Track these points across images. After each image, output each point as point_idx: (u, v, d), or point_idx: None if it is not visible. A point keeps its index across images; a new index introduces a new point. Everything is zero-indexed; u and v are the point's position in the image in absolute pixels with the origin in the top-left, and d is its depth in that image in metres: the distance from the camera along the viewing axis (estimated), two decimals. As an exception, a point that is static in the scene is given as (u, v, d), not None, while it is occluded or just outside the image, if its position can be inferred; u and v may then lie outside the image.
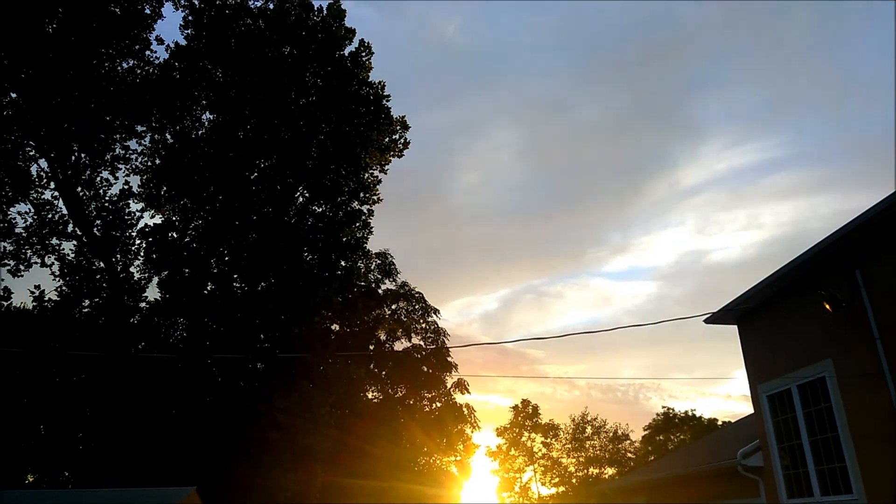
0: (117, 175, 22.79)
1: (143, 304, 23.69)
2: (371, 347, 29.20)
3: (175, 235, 23.42)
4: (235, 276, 23.90)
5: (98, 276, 22.33)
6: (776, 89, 62.76)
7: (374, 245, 30.52)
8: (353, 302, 26.46)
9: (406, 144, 26.72)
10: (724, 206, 71.19)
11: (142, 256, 23.07)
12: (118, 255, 22.62)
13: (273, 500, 20.47)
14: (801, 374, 10.67)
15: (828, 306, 9.70)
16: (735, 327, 13.02)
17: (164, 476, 18.47)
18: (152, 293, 34.05)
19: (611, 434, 54.25)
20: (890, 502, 7.76)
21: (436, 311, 32.84)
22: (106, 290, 22.43)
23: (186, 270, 22.69)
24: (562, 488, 53.40)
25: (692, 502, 14.45)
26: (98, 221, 22.30)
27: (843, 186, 65.14)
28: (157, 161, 23.62)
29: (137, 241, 22.96)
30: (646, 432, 52.15)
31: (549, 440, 55.28)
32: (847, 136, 64.63)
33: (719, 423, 46.44)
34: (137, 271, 23.47)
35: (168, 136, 23.73)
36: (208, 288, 22.97)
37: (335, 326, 27.53)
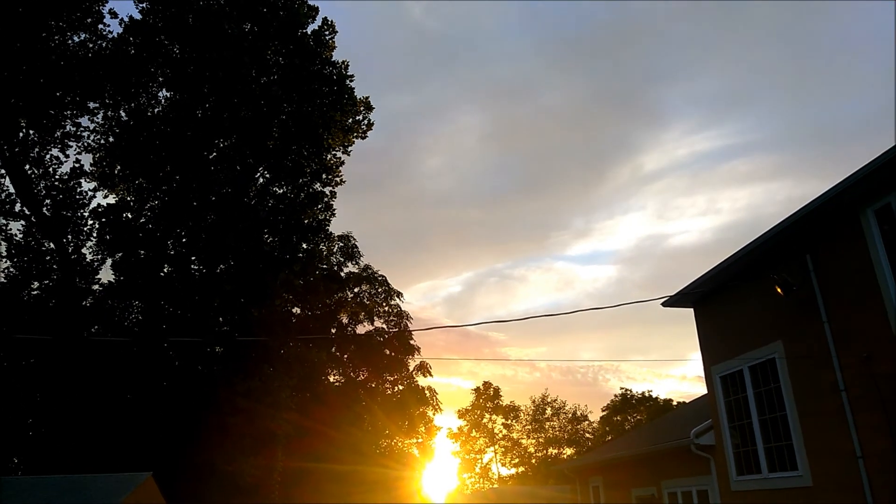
0: (68, 153, 22.05)
1: (95, 287, 23.03)
2: (333, 331, 29.06)
3: (129, 216, 22.79)
4: (193, 258, 23.42)
5: (48, 258, 21.62)
6: (736, 77, 63.99)
7: (336, 227, 30.32)
8: (314, 285, 26.23)
9: (370, 126, 26.44)
10: (684, 192, 72.63)
11: (94, 237, 22.41)
12: (69, 236, 21.92)
13: (234, 485, 20.30)
14: (753, 356, 10.99)
15: (779, 290, 9.97)
16: (691, 310, 13.32)
17: (120, 462, 18.10)
18: (106, 275, 32.94)
19: (570, 415, 55.32)
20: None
21: (399, 295, 32.85)
22: (56, 272, 21.74)
23: (142, 252, 22.12)
24: (521, 468, 54.33)
25: (647, 480, 14.85)
26: (47, 201, 21.55)
27: (796, 173, 67.04)
28: (111, 139, 22.88)
29: (90, 222, 22.30)
30: (604, 413, 53.29)
31: (509, 422, 56.07)
32: (801, 124, 66.42)
33: (674, 403, 47.70)
34: (90, 252, 22.79)
35: (122, 114, 22.98)
36: (164, 270, 22.47)
37: (296, 310, 27.27)
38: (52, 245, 21.52)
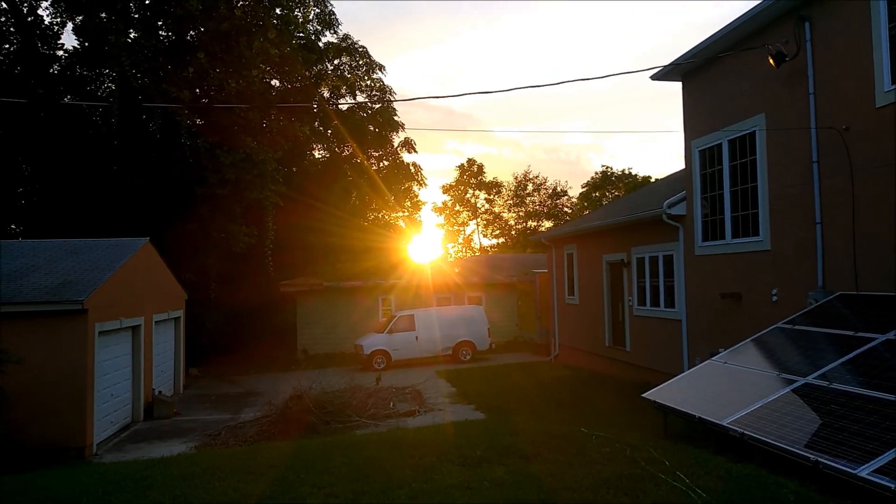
0: None
1: (60, 53, 21.82)
2: (314, 105, 28.42)
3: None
4: (160, 22, 21.87)
5: (2, 19, 20.10)
6: None
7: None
8: (291, 56, 25.01)
9: None
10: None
11: (49, -3, 20.63)
12: (21, -5, 20.17)
13: (228, 251, 21.41)
14: (734, 129, 11.05)
15: (772, 61, 9.70)
16: (680, 85, 13.06)
17: (115, 231, 18.78)
18: (69, 40, 30.93)
19: (550, 191, 57.00)
20: None
21: (381, 68, 31.66)
22: (16, 36, 20.38)
23: (103, 15, 20.58)
24: (502, 239, 57.43)
25: (617, 247, 15.85)
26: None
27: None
28: None
29: (40, -21, 20.37)
30: (583, 189, 54.82)
31: (492, 197, 57.85)
32: None
33: (653, 180, 48.90)
34: (48, 15, 21.19)
35: None
36: (131, 36, 21.10)
37: (275, 82, 26.38)
38: (3, 4, 19.88)
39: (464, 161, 59.43)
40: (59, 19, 21.50)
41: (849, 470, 4.91)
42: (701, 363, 9.13)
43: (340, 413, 11.68)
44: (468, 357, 21.81)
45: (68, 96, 21.37)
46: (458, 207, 57.97)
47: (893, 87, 7.93)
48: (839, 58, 8.88)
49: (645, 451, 6.82)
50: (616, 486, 5.75)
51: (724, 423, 6.58)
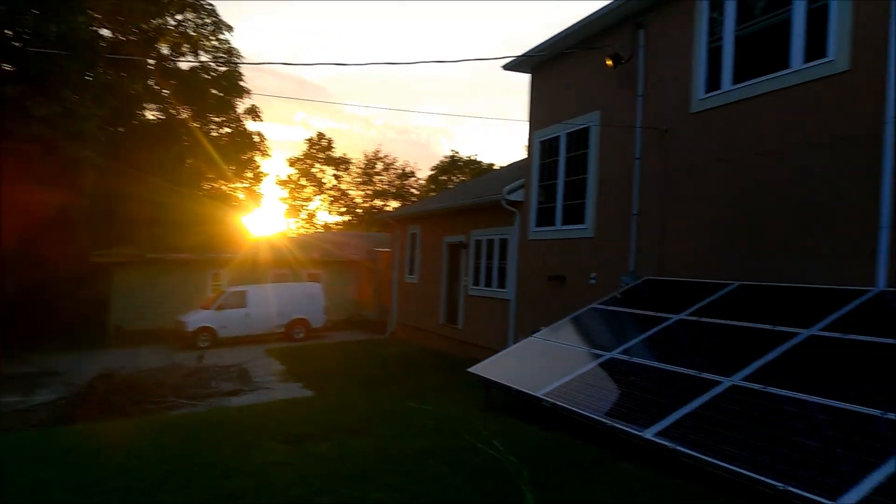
0: None
1: None
2: (151, 61, 26.02)
3: None
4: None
5: None
6: None
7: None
8: (126, 5, 22.60)
9: None
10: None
11: None
12: None
13: (34, 216, 19.08)
14: (572, 123, 11.73)
15: (609, 62, 10.36)
16: (529, 77, 13.58)
17: None
18: None
19: (399, 171, 57.31)
20: None
21: (229, 29, 29.78)
22: None
23: None
24: (347, 217, 56.77)
25: (458, 230, 16.28)
26: None
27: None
28: None
29: None
30: (432, 172, 55.75)
31: (340, 173, 56.89)
32: None
33: (496, 167, 50.86)
34: None
35: None
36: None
37: (106, 32, 23.75)
38: None
39: (313, 134, 57.87)
40: None
41: (636, 433, 5.41)
42: (523, 339, 9.64)
43: (154, 393, 10.85)
44: (302, 335, 21.32)
45: None
46: (303, 182, 56.30)
47: (707, 95, 8.82)
48: (666, 65, 9.70)
49: (467, 422, 7.05)
50: (437, 457, 5.87)
51: (538, 395, 6.98)
